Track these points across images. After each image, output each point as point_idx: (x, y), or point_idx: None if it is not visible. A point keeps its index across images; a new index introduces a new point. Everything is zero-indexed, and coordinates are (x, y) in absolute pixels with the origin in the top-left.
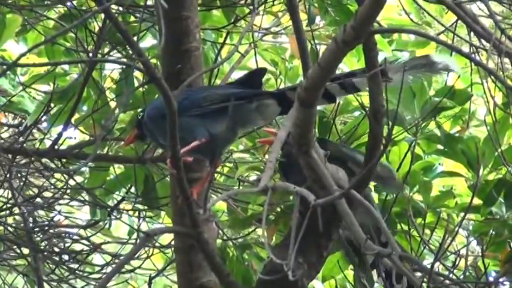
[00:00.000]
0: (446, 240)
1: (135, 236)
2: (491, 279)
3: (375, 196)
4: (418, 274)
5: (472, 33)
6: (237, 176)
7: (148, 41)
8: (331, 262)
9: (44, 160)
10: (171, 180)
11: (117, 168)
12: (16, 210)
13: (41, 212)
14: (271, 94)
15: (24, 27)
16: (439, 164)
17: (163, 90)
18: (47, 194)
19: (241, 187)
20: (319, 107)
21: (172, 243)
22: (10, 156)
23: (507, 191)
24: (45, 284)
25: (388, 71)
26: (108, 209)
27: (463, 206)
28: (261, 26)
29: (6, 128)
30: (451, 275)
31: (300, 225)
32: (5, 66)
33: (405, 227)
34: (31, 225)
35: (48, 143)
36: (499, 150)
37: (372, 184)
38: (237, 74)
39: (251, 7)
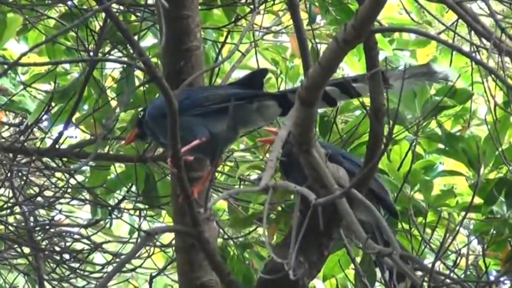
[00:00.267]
0: (447, 239)
1: (135, 235)
2: (492, 278)
3: None
4: (419, 273)
5: (472, 32)
6: (237, 175)
7: (149, 40)
8: (332, 261)
9: (44, 159)
10: (172, 179)
11: (118, 167)
12: (17, 209)
13: (42, 211)
14: (272, 95)
15: (25, 27)
16: (440, 163)
17: (163, 89)
18: (48, 193)
19: (242, 186)
20: (320, 110)
21: (173, 242)
22: (11, 155)
23: (508, 190)
24: (46, 283)
25: (389, 78)
26: (109, 208)
27: (464, 205)
28: (261, 25)
29: (7, 127)
30: (452, 274)
31: (301, 224)
32: (6, 66)
33: (406, 226)
34: (32, 224)
35: (49, 142)
36: (500, 149)
37: None
38: (238, 73)
39: (252, 6)
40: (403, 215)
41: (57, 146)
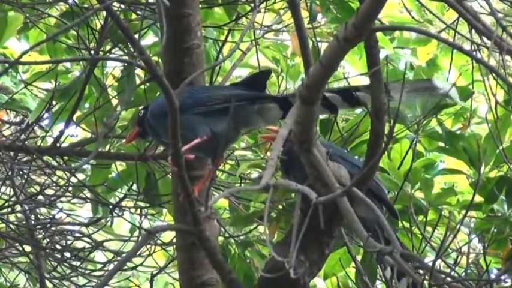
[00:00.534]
0: (448, 237)
1: (136, 233)
2: (493, 276)
3: None
4: (420, 271)
5: (473, 31)
6: (238, 173)
7: (149, 39)
8: (333, 260)
9: (45, 158)
10: (173, 177)
11: (119, 166)
12: (18, 207)
13: (43, 210)
14: (273, 98)
15: (26, 25)
16: (441, 161)
17: (164, 88)
18: (49, 192)
19: (242, 185)
20: (321, 116)
21: (174, 240)
22: (12, 153)
23: (508, 188)
24: (47, 282)
25: (391, 90)
26: (110, 207)
27: (465, 203)
28: (262, 23)
29: (8, 125)
30: (452, 273)
31: (302, 223)
32: (6, 64)
33: (407, 225)
34: (33, 222)
35: (50, 140)
36: (501, 147)
37: None
38: (239, 72)
39: (252, 5)
40: (404, 213)
41: (58, 145)
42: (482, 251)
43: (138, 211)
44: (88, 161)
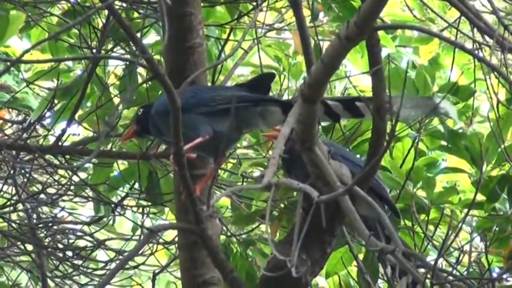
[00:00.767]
0: (450, 236)
1: (138, 232)
2: (494, 275)
3: None
4: (422, 270)
5: (475, 30)
6: (240, 172)
7: (151, 37)
8: (335, 258)
9: (47, 156)
10: (175, 176)
11: (121, 165)
12: (20, 206)
13: (45, 208)
14: (277, 102)
15: (28, 24)
16: (443, 160)
17: (166, 86)
18: (51, 190)
19: (244, 183)
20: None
21: (176, 239)
22: (14, 152)
23: (510, 187)
24: (49, 280)
25: (394, 105)
26: (112, 205)
27: (467, 202)
28: (264, 22)
29: (10, 124)
30: (454, 271)
31: (304, 222)
32: (8, 63)
33: (409, 223)
34: (35, 221)
35: (52, 139)
36: (503, 146)
37: None
38: (241, 71)
39: (254, 3)
40: (406, 212)
41: (60, 143)
42: (484, 250)
43: (140, 210)
44: (90, 159)
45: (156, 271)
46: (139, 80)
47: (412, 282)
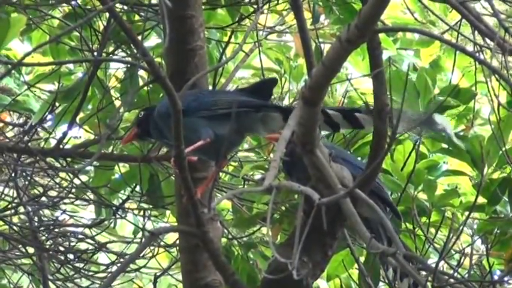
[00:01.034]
0: (451, 239)
1: (140, 235)
2: (495, 277)
3: None
4: (423, 273)
5: (476, 32)
6: (241, 175)
7: (152, 40)
8: (336, 261)
9: (48, 159)
10: (176, 179)
11: (122, 167)
12: (21, 209)
13: (46, 211)
14: (277, 108)
15: (29, 27)
16: (444, 162)
17: (167, 89)
18: (52, 193)
19: (246, 186)
20: (323, 132)
21: (177, 242)
22: (15, 155)
23: (511, 189)
24: (50, 283)
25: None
26: (113, 208)
27: (468, 204)
28: (265, 24)
29: (11, 127)
30: (455, 274)
31: (305, 224)
32: (9, 66)
33: (410, 226)
34: (36, 224)
35: (53, 142)
36: (504, 149)
37: None
38: (242, 73)
39: (255, 6)
40: (407, 214)
41: (61, 146)
42: (485, 253)
43: (142, 213)
44: (91, 162)
45: (158, 274)
46: (141, 83)
47: (413, 284)
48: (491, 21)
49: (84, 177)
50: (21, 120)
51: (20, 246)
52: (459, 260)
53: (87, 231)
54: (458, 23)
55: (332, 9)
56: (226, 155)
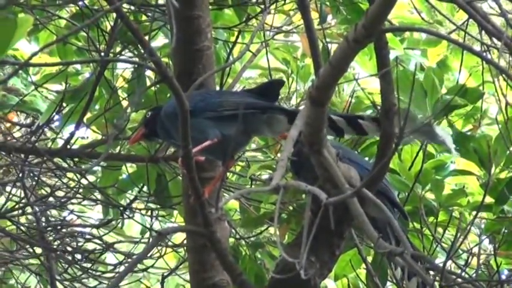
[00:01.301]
0: (459, 238)
1: (147, 235)
2: (503, 277)
3: None
4: (431, 272)
5: (483, 32)
6: (249, 174)
7: (160, 40)
8: (344, 261)
9: (56, 159)
10: (183, 179)
11: (130, 168)
12: (29, 209)
13: (54, 212)
14: (283, 110)
15: (36, 27)
16: (451, 162)
17: (174, 89)
18: (60, 194)
19: (253, 186)
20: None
21: (185, 242)
22: (22, 155)
23: None
24: (58, 284)
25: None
26: (121, 208)
27: (475, 204)
28: (272, 24)
29: (18, 127)
30: (463, 274)
31: (312, 224)
32: (17, 66)
33: (417, 226)
34: (44, 224)
35: (60, 142)
36: (511, 148)
37: None
38: (249, 73)
39: (263, 6)
40: (415, 214)
41: (68, 146)
42: (492, 252)
43: (149, 213)
44: (98, 162)
45: (165, 274)
46: (148, 83)
47: (421, 284)
48: (498, 21)
49: (91, 178)
50: (28, 121)
51: (27, 246)
52: (467, 259)
53: (94, 231)
54: (466, 22)
55: (339, 9)
56: (233, 155)
